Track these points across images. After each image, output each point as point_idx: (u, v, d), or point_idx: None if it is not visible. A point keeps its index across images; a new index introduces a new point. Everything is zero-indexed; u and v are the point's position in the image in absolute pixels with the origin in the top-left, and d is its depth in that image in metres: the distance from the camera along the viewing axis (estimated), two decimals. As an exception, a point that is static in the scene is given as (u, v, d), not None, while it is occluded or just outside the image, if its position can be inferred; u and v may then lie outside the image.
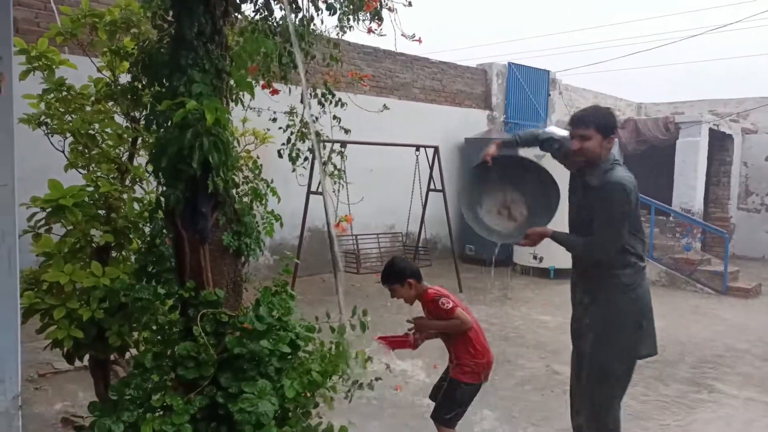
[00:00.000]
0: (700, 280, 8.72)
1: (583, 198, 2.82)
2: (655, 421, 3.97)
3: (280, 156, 3.04)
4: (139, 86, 2.67)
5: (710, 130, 10.52)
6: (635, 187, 2.71)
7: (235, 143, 2.72)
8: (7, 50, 1.19)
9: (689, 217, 9.83)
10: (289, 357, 2.30)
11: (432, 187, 7.91)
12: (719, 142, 11.34)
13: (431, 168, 7.85)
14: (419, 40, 2.86)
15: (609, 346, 2.82)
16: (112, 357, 2.70)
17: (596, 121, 2.73)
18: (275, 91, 2.94)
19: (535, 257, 9.07)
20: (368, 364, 2.49)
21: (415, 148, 7.54)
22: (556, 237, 2.89)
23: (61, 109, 2.75)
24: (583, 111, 2.87)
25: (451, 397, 3.01)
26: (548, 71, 12.24)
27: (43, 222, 2.48)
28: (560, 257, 9.12)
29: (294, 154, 3.01)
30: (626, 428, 3.81)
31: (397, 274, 3.01)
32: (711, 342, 5.98)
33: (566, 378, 4.70)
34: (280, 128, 3.00)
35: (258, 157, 2.93)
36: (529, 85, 11.79)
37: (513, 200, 3.28)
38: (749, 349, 5.76)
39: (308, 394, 2.27)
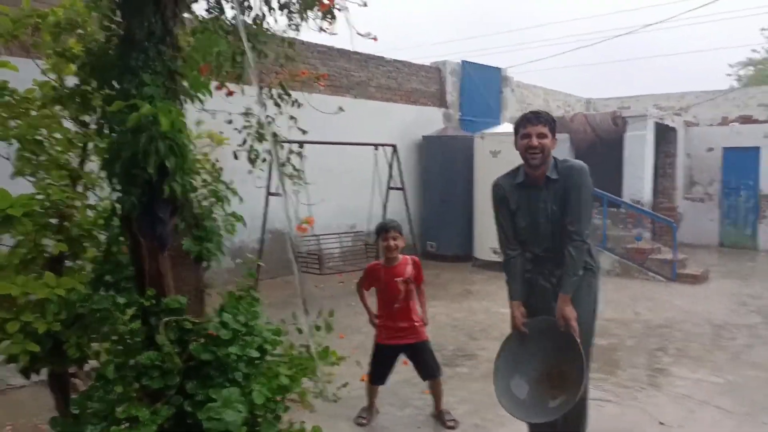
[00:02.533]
0: (651, 268, 9.08)
1: (545, 197, 2.88)
2: (613, 405, 4.12)
3: (236, 158, 3.00)
4: (88, 89, 2.58)
5: (656, 123, 10.95)
6: None
7: (192, 146, 2.67)
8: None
9: (639, 207, 10.21)
10: (257, 362, 2.28)
11: (392, 185, 7.96)
12: (664, 135, 11.82)
13: (390, 166, 7.90)
14: (375, 39, 2.87)
15: (592, 330, 3.01)
16: (71, 370, 2.61)
17: (549, 121, 2.88)
18: (230, 92, 2.90)
19: (495, 252, 9.24)
20: (339, 364, 2.50)
21: (373, 147, 7.56)
22: (572, 287, 2.82)
23: (4, 114, 2.63)
24: (536, 111, 2.97)
25: (431, 351, 3.82)
26: (500, 69, 12.48)
27: (-10, 233, 2.38)
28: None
29: (252, 156, 2.97)
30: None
31: (398, 226, 3.84)
32: (663, 327, 6.24)
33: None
34: (235, 129, 2.96)
35: (217, 160, 2.88)
36: (482, 83, 12.00)
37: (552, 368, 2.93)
38: (699, 333, 6.04)
39: (278, 399, 2.26)
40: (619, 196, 10.34)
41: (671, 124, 11.87)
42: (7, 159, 2.62)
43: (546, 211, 2.88)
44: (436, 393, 3.85)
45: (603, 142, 11.15)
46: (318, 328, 2.56)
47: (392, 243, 3.74)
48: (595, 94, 16.39)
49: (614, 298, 7.64)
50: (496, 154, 9.16)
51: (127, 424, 2.00)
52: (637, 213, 10.15)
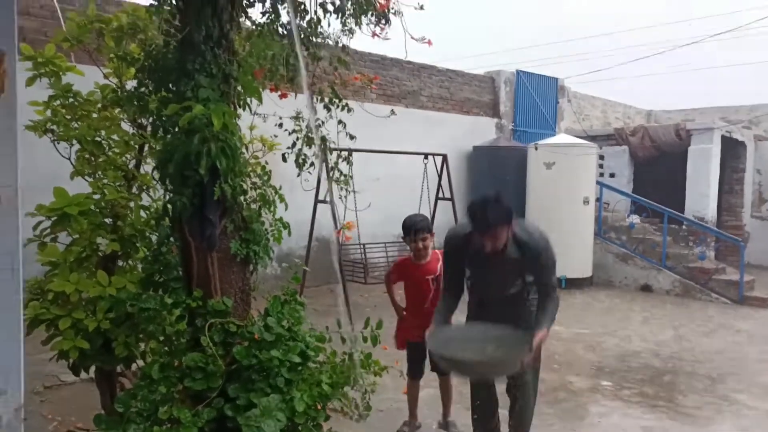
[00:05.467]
0: (715, 289, 8.60)
1: (496, 262, 2.89)
2: (673, 434, 3.89)
3: (285, 160, 3.01)
4: (146, 92, 2.65)
5: (722, 137, 10.42)
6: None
7: (243, 150, 2.71)
8: (11, 45, 1.17)
9: (703, 225, 9.72)
10: (299, 368, 2.26)
11: (440, 195, 7.87)
12: (732, 150, 11.23)
13: (440, 176, 7.81)
14: (429, 42, 2.83)
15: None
16: (118, 368, 2.67)
17: (498, 220, 2.77)
18: (284, 95, 2.92)
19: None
20: (381, 375, 2.45)
21: (423, 156, 7.50)
22: (549, 326, 2.88)
23: (67, 116, 2.74)
24: (481, 217, 2.80)
25: None
26: (557, 79, 12.22)
27: (48, 231, 2.46)
28: (572, 266, 9.07)
29: (300, 160, 2.98)
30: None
31: (428, 226, 3.66)
32: (728, 353, 5.87)
33: (580, 389, 4.63)
34: (285, 130, 2.98)
35: (267, 163, 2.90)
36: (537, 93, 11.77)
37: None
38: (769, 360, 5.65)
39: (319, 406, 2.22)
40: (681, 213, 9.87)
41: (740, 138, 11.27)
42: (68, 159, 2.72)
43: (500, 270, 2.94)
44: (445, 394, 3.76)
45: (664, 156, 10.70)
46: (365, 339, 2.52)
47: (421, 245, 3.60)
48: (657, 106, 15.80)
49: (674, 319, 7.26)
50: (550, 166, 8.92)
51: (168, 425, 2.01)
52: (700, 230, 9.66)
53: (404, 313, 3.73)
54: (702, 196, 10.14)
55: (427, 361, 3.65)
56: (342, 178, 3.43)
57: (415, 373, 3.73)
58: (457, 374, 3.18)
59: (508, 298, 3.00)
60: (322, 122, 3.08)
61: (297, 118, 3.15)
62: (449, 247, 3.11)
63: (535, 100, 11.73)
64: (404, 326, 3.73)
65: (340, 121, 3.13)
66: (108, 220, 2.62)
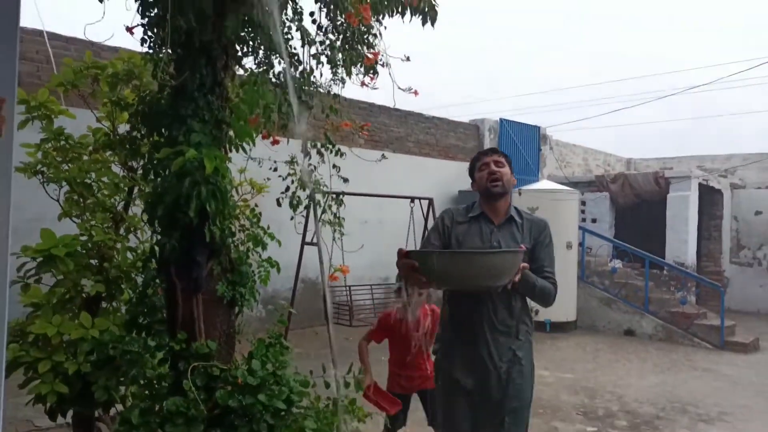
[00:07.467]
0: (697, 334, 8.62)
1: (498, 237, 2.65)
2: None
3: (279, 204, 3.04)
4: (138, 136, 2.68)
5: (700, 185, 10.66)
6: None
7: (233, 192, 2.72)
8: (11, 92, 1.18)
9: (684, 270, 9.81)
10: (283, 414, 2.21)
11: (426, 239, 7.89)
12: (709, 197, 11.48)
13: (426, 219, 7.86)
14: (416, 93, 2.91)
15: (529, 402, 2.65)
16: (96, 413, 2.59)
17: (506, 156, 2.79)
18: (276, 141, 2.97)
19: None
20: (366, 421, 2.40)
21: (409, 200, 7.56)
22: (536, 284, 2.54)
23: (58, 158, 2.74)
24: (491, 147, 2.88)
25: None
26: (539, 127, 12.50)
27: (33, 272, 2.43)
28: (556, 310, 9.06)
29: (294, 202, 3.02)
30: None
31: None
32: (713, 398, 5.84)
33: (567, 436, 4.56)
34: (279, 176, 3.02)
35: (256, 205, 2.92)
36: (520, 141, 12.02)
37: None
38: (752, 406, 5.62)
39: (302, 453, 2.17)
40: (662, 258, 9.98)
41: (716, 186, 11.54)
42: (56, 200, 2.72)
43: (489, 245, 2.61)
44: None
45: (644, 203, 10.89)
46: (347, 385, 2.48)
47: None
48: (636, 154, 16.17)
49: (658, 364, 7.24)
50: (533, 211, 9.02)
51: (148, 473, 1.94)
52: (681, 275, 9.74)
53: (370, 387, 3.40)
54: (681, 242, 10.28)
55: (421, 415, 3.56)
56: (336, 220, 3.46)
57: (395, 423, 3.61)
58: (444, 281, 2.45)
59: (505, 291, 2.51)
60: (315, 167, 3.14)
61: (292, 162, 3.22)
62: (441, 218, 2.82)
63: (519, 147, 11.96)
64: (389, 375, 3.65)
65: (334, 165, 3.19)
66: (94, 262, 2.59)
